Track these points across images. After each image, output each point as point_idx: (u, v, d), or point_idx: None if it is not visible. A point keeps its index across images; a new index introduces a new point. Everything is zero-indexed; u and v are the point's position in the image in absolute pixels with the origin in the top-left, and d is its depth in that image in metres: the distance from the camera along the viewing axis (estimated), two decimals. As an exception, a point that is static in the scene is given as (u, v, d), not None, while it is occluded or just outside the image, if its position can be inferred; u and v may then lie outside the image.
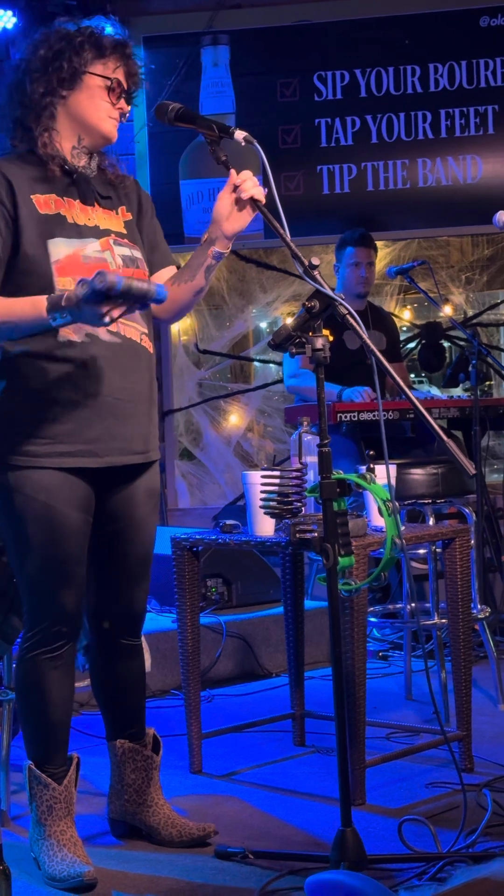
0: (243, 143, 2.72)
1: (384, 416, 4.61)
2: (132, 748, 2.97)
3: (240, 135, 2.73)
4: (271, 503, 3.11)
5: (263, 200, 2.76)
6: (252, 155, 2.70)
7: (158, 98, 6.11)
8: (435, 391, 6.42)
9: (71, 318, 2.59)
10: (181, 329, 6.63)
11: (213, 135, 2.76)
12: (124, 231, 2.84)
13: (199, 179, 6.02)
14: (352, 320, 2.60)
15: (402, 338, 6.16)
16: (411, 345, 6.47)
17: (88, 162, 2.84)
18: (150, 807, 2.97)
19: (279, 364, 6.79)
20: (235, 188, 2.75)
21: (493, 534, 5.21)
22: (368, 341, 2.59)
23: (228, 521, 3.49)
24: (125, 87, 2.81)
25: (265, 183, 2.68)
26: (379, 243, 6.19)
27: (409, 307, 7.03)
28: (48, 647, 2.73)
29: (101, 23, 2.81)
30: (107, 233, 2.79)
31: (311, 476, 3.17)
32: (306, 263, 2.65)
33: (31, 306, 2.63)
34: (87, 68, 2.75)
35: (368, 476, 2.71)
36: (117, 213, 2.85)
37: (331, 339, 2.70)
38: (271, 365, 6.82)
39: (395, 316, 6.54)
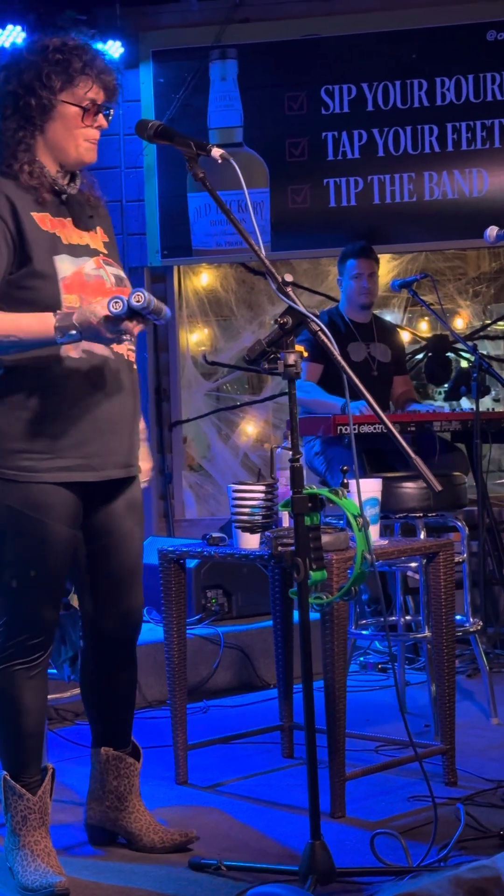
0: (220, 161, 2.76)
1: (379, 428, 4.62)
2: (116, 755, 3.01)
3: (216, 152, 2.76)
4: (242, 516, 3.14)
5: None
6: (231, 170, 2.73)
7: (168, 111, 6.17)
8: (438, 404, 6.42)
9: (79, 336, 2.63)
10: (190, 340, 6.66)
11: (190, 152, 2.79)
12: (106, 251, 2.88)
13: (207, 192, 6.04)
14: (323, 337, 2.62)
15: (408, 350, 6.18)
16: (419, 356, 6.48)
17: (72, 182, 2.87)
18: (131, 813, 3.00)
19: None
20: None
21: (496, 546, 5.20)
22: (339, 357, 2.62)
23: (215, 534, 3.52)
24: (101, 101, 2.82)
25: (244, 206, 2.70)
26: (386, 256, 6.21)
27: (425, 318, 7.03)
28: (24, 658, 2.77)
29: (66, 40, 2.80)
30: (96, 252, 2.83)
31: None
32: (279, 280, 2.67)
33: (38, 322, 2.66)
34: (58, 97, 2.77)
35: (340, 491, 2.72)
36: (97, 233, 2.89)
37: (305, 354, 2.73)
38: (277, 376, 6.84)
39: (406, 329, 6.54)
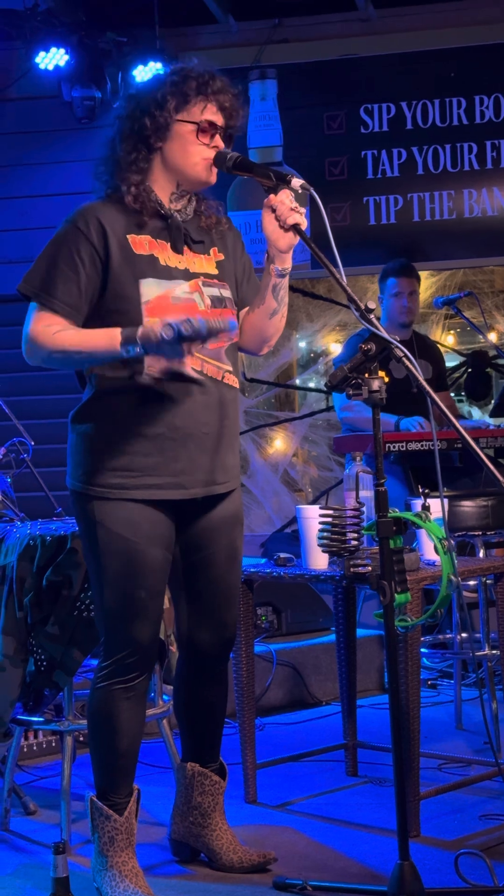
0: (300, 191, 2.79)
1: (426, 446, 4.66)
2: (201, 772, 3.05)
3: (297, 182, 2.79)
4: (329, 541, 3.16)
5: (305, 225, 2.82)
6: (305, 195, 2.77)
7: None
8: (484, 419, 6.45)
9: (143, 350, 2.68)
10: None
11: (269, 183, 2.83)
12: (215, 272, 2.91)
13: (247, 211, 6.11)
14: (408, 363, 2.66)
15: (447, 366, 6.21)
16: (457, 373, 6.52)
17: (186, 205, 2.91)
18: (213, 830, 3.03)
19: (323, 392, 6.85)
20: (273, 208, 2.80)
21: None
22: (424, 383, 2.64)
23: (282, 555, 3.56)
24: (221, 122, 2.86)
25: (323, 231, 2.73)
26: (425, 273, 6.26)
27: (452, 332, 7.07)
28: (122, 677, 2.81)
29: (186, 65, 2.85)
30: (196, 276, 2.87)
31: (366, 511, 3.23)
32: (363, 307, 2.71)
33: (106, 337, 2.72)
34: (174, 117, 2.82)
35: (424, 514, 2.76)
36: (209, 255, 2.92)
37: (386, 379, 2.76)
38: (315, 393, 6.88)
39: (440, 344, 6.58)
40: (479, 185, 6.08)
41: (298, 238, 2.84)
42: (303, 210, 2.81)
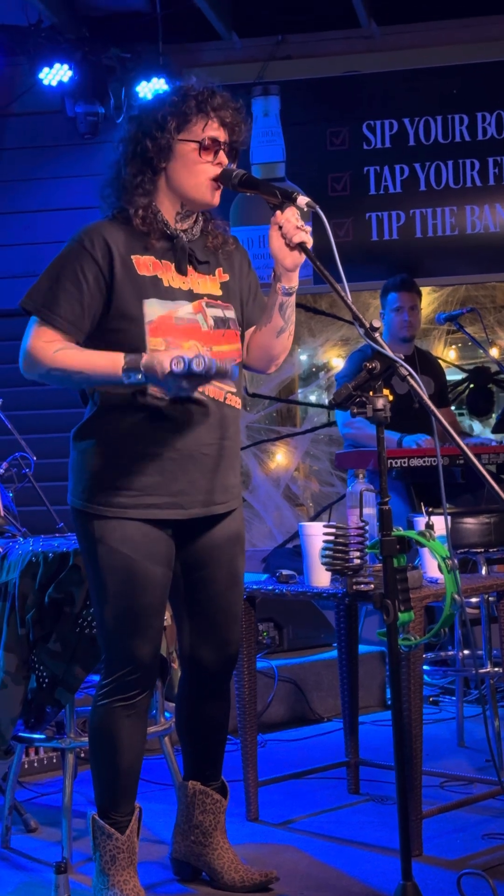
0: (306, 209, 2.79)
1: (428, 462, 4.66)
2: (203, 790, 3.04)
3: (302, 200, 2.79)
4: (332, 559, 3.16)
5: (310, 243, 2.82)
6: (309, 211, 2.78)
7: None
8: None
9: (145, 379, 2.67)
10: (231, 373, 6.70)
11: (275, 200, 2.83)
12: (219, 293, 2.90)
13: (250, 226, 6.12)
14: (412, 381, 2.66)
15: (449, 381, 6.21)
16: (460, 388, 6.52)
17: (192, 225, 2.91)
18: (215, 849, 3.02)
19: (325, 407, 6.85)
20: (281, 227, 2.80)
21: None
22: (428, 401, 2.64)
23: (285, 571, 3.55)
24: (223, 139, 2.85)
25: (328, 249, 2.74)
26: (427, 288, 6.27)
27: (453, 347, 7.08)
28: (123, 695, 2.80)
29: (186, 83, 2.84)
30: (199, 297, 2.86)
31: (370, 528, 3.22)
32: (367, 326, 2.71)
33: (109, 361, 2.71)
34: (175, 137, 2.81)
35: (428, 533, 2.75)
36: (214, 276, 2.92)
37: (391, 398, 2.76)
38: (317, 408, 6.88)
39: (442, 360, 6.58)
40: (481, 201, 6.10)
41: (304, 256, 2.84)
42: (309, 228, 2.81)
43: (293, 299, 2.94)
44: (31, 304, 2.79)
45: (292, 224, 2.79)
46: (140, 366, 2.67)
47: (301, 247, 2.81)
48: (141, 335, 2.77)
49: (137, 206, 2.82)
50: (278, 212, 2.80)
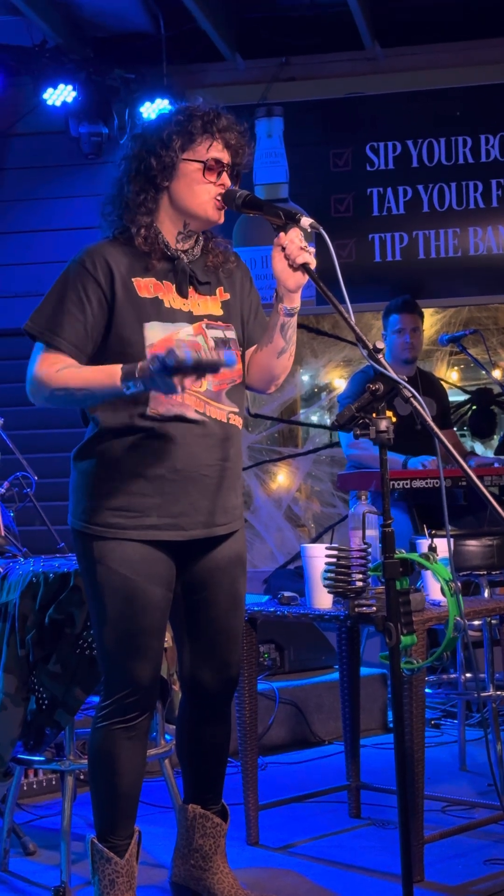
0: (309, 230, 2.79)
1: (431, 483, 4.65)
2: (203, 814, 3.01)
3: (306, 222, 2.79)
4: (334, 581, 3.14)
5: (314, 264, 2.81)
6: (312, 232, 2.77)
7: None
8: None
9: (144, 386, 2.66)
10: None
11: (279, 221, 2.82)
12: (220, 313, 2.90)
13: (252, 247, 6.13)
14: (416, 404, 2.64)
15: (451, 402, 6.20)
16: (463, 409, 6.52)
17: (193, 245, 2.90)
18: (215, 874, 2.99)
19: (327, 428, 6.84)
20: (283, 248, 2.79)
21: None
22: (432, 423, 2.64)
23: (286, 593, 3.53)
24: (227, 160, 2.85)
25: (332, 270, 2.73)
26: (430, 310, 6.27)
27: (456, 368, 7.08)
28: (122, 717, 2.78)
29: (191, 104, 2.84)
30: (199, 318, 2.85)
31: (373, 551, 3.21)
32: (371, 347, 2.70)
33: (107, 375, 2.71)
34: (179, 156, 2.81)
35: (431, 556, 2.74)
36: (215, 295, 2.91)
37: (394, 419, 2.75)
38: (319, 428, 6.88)
39: (444, 381, 6.58)
40: (484, 223, 6.11)
41: (307, 278, 2.84)
42: (312, 249, 2.80)
43: (295, 320, 2.94)
44: (35, 329, 2.78)
45: (296, 245, 2.78)
46: (136, 371, 2.65)
47: (304, 267, 2.80)
48: (142, 358, 2.76)
49: (140, 226, 2.82)
50: (282, 233, 2.79)
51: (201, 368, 2.62)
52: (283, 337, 2.92)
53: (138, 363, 2.67)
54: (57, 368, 2.74)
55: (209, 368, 2.64)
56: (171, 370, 2.58)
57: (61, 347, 2.75)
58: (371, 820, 3.77)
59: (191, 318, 2.84)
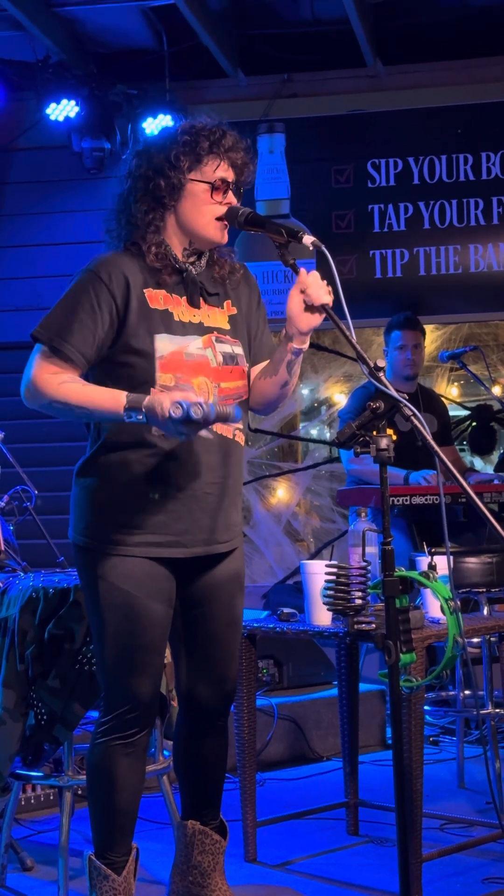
0: (311, 248, 2.80)
1: (430, 500, 4.65)
2: (202, 830, 3.01)
3: (308, 239, 2.80)
4: (333, 598, 3.14)
5: (331, 303, 2.82)
6: (307, 249, 2.78)
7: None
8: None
9: (145, 420, 2.66)
10: (233, 408, 6.70)
11: (281, 239, 2.83)
12: (227, 327, 2.91)
13: (254, 262, 6.13)
14: (416, 422, 2.65)
15: (452, 418, 6.21)
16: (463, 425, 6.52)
17: (198, 259, 2.92)
18: (213, 891, 2.99)
19: (327, 444, 6.84)
20: (304, 290, 2.80)
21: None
22: (432, 441, 2.64)
23: (286, 609, 3.53)
24: (231, 179, 2.86)
25: (332, 287, 2.75)
26: (430, 326, 6.28)
27: (456, 384, 7.09)
28: (122, 733, 2.78)
29: (196, 122, 2.85)
30: (210, 330, 2.86)
31: (372, 568, 3.21)
32: (371, 365, 2.71)
33: (111, 398, 2.71)
34: (187, 176, 2.82)
35: (431, 574, 2.74)
36: (222, 309, 2.92)
37: (395, 437, 2.75)
38: (318, 444, 6.88)
39: (445, 397, 6.59)
40: (485, 240, 6.13)
41: (321, 320, 2.83)
42: (330, 289, 2.80)
43: (301, 357, 2.94)
44: (44, 335, 2.77)
45: (321, 287, 2.77)
46: (142, 406, 2.66)
47: (324, 307, 2.80)
48: (151, 370, 2.77)
49: (151, 244, 2.82)
50: (303, 272, 2.79)
51: (218, 420, 2.66)
52: (289, 372, 2.92)
53: (145, 397, 2.67)
54: (60, 380, 2.73)
55: (219, 420, 2.67)
56: (191, 421, 2.60)
57: (68, 354, 2.74)
58: (369, 837, 3.77)
59: (201, 330, 2.84)
